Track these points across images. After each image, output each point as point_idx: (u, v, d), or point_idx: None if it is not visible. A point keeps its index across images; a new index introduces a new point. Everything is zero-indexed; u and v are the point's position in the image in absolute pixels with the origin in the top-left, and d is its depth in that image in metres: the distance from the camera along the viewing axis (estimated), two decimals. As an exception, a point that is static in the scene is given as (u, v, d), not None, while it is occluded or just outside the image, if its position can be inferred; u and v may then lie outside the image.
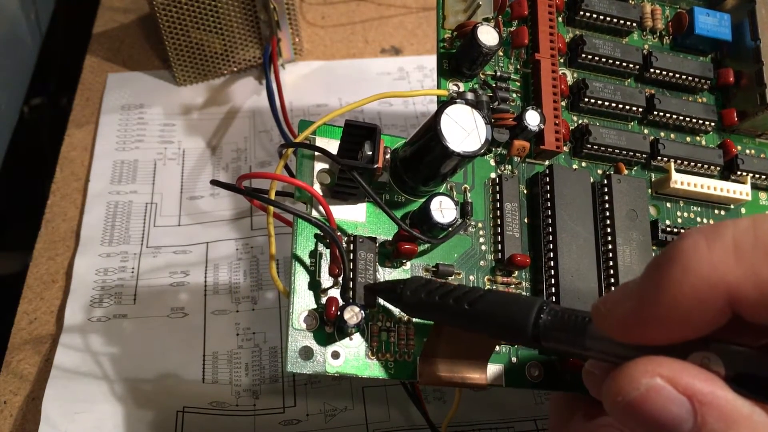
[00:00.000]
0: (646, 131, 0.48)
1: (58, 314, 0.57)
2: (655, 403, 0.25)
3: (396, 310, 0.39)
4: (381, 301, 0.39)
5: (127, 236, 0.62)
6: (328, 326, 0.38)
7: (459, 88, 0.44)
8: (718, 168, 0.48)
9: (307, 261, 0.39)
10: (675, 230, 0.45)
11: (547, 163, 0.45)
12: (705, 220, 0.48)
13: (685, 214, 0.47)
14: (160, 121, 0.70)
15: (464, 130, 0.37)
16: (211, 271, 0.60)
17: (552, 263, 0.42)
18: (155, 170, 0.66)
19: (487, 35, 0.41)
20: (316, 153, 0.41)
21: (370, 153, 0.37)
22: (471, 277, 0.42)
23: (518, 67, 0.46)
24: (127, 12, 0.79)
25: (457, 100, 0.37)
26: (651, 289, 0.26)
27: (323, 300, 0.38)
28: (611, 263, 0.42)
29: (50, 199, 0.64)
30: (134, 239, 0.62)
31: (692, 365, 0.25)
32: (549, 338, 0.30)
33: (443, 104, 0.37)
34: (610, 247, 0.43)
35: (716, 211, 0.48)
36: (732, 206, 0.48)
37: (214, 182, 0.42)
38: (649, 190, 0.47)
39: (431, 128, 0.37)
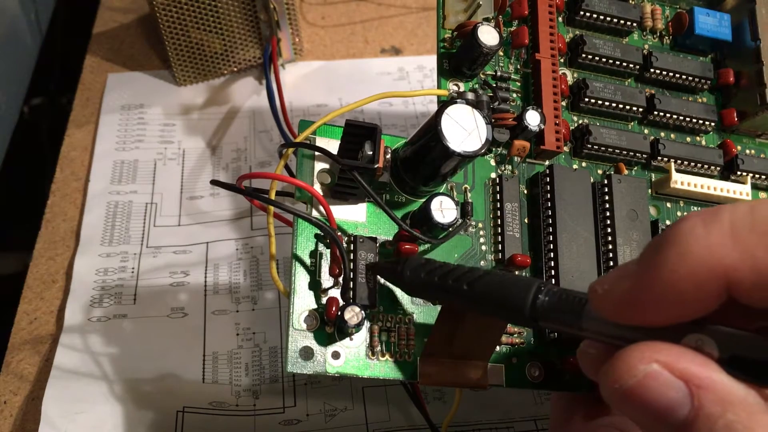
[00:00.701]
0: (646, 131, 0.48)
1: (58, 314, 0.57)
2: (652, 389, 0.25)
3: (397, 309, 0.39)
4: (382, 281, 0.39)
5: (127, 236, 0.62)
6: (328, 326, 0.38)
7: (459, 88, 0.44)
8: (718, 168, 0.48)
9: (308, 261, 0.39)
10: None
11: (547, 163, 0.45)
12: (705, 221, 0.47)
13: (685, 214, 0.47)
14: (160, 121, 0.70)
15: (465, 130, 0.37)
16: (211, 271, 0.60)
17: (552, 263, 0.42)
18: (155, 170, 0.67)
19: (488, 35, 0.41)
20: (317, 153, 0.41)
21: (371, 153, 0.37)
22: (471, 277, 0.42)
23: (518, 67, 0.46)
24: (127, 12, 0.79)
25: (458, 100, 0.37)
26: (648, 271, 0.26)
27: (323, 300, 0.38)
28: (611, 264, 0.42)
29: (50, 199, 0.64)
30: (134, 239, 0.62)
31: (688, 350, 0.25)
32: (546, 319, 0.30)
33: (444, 104, 0.37)
34: (610, 247, 0.43)
35: (716, 211, 0.48)
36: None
37: (215, 182, 0.42)
38: (650, 191, 0.47)
39: (432, 128, 0.37)
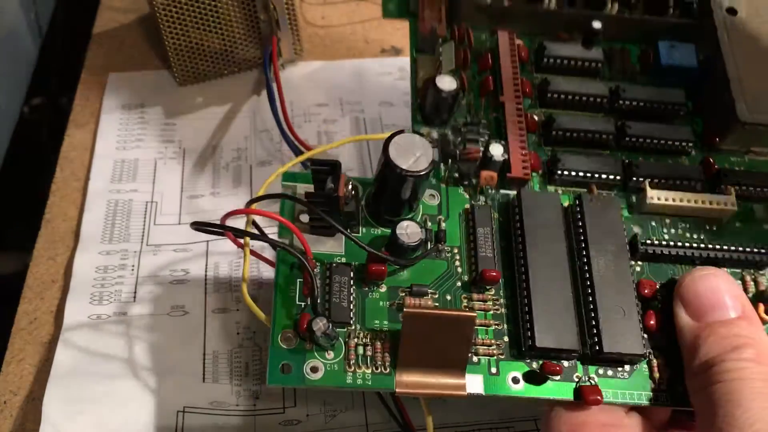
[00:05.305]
0: (624, 158, 0.51)
1: (57, 314, 0.59)
2: None
3: (372, 324, 0.44)
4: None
5: (128, 234, 0.64)
6: (308, 344, 0.42)
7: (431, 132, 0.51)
8: (700, 182, 0.50)
9: (287, 286, 0.44)
10: (656, 242, 0.47)
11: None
12: (695, 236, 0.49)
13: (673, 231, 0.49)
14: (161, 120, 0.73)
15: (413, 154, 0.43)
16: (211, 270, 0.63)
17: (523, 277, 0.45)
18: (155, 169, 0.70)
19: (445, 82, 0.48)
20: (298, 193, 0.47)
21: (332, 186, 0.44)
22: (447, 297, 0.45)
23: (489, 112, 0.52)
24: (127, 12, 0.82)
25: (404, 129, 0.44)
26: None
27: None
28: (587, 275, 0.45)
29: (50, 199, 0.66)
30: (134, 237, 0.64)
31: None
32: None
33: (391, 135, 0.43)
34: (585, 260, 0.45)
35: (707, 227, 0.49)
36: (724, 219, 0.50)
37: (196, 225, 0.45)
38: (626, 209, 0.49)
39: (383, 157, 0.43)
